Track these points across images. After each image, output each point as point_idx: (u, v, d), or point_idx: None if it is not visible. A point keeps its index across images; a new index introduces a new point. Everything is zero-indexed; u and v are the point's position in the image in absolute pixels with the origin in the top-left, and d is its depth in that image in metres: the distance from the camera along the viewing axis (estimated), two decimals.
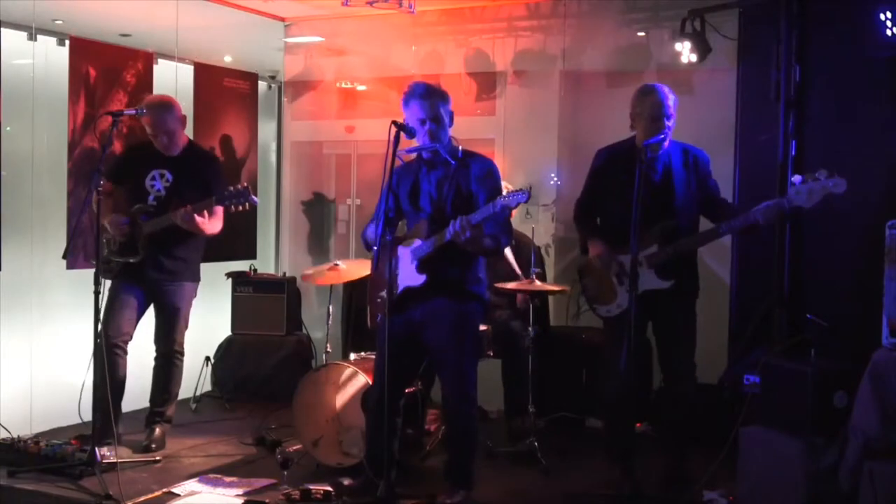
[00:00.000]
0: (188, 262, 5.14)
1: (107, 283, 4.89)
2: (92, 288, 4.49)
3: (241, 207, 4.89)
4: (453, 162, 4.13)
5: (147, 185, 5.04)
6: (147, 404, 5.27)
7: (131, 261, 4.95)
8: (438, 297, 4.10)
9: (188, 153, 5.16)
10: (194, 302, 5.26)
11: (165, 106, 5.06)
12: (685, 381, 4.44)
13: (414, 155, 4.21)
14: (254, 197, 4.90)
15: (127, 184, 5.08)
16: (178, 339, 5.18)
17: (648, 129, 4.29)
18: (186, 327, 5.23)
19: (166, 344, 5.16)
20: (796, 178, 3.95)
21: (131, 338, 5.09)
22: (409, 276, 4.12)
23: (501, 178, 4.26)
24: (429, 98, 4.09)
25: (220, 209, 5.01)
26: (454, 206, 4.06)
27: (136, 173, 5.08)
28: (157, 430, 5.14)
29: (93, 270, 4.57)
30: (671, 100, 4.32)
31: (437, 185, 4.15)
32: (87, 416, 4.81)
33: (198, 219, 4.88)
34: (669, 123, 4.29)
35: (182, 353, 5.23)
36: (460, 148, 4.20)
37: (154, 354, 5.22)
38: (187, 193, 4.96)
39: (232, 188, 4.90)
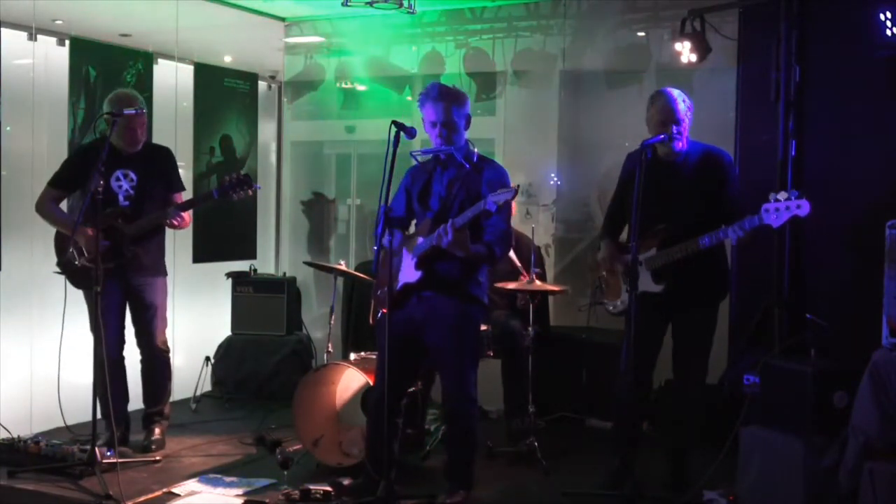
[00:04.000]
0: (158, 257, 5.07)
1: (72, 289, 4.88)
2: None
3: (243, 194, 4.86)
4: (467, 165, 4.14)
5: (114, 186, 4.87)
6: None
7: (113, 265, 4.78)
8: (439, 297, 4.11)
9: (144, 149, 5.02)
10: (194, 302, 5.25)
11: (139, 103, 4.94)
12: (690, 383, 4.44)
13: (430, 156, 4.22)
14: (256, 184, 4.85)
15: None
16: (160, 337, 5.10)
17: (656, 134, 4.29)
18: (166, 324, 5.14)
19: (150, 343, 5.07)
20: (771, 196, 3.94)
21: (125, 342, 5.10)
22: (407, 272, 4.14)
23: None
24: (441, 101, 4.09)
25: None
26: (462, 208, 4.05)
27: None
28: (157, 430, 5.13)
29: (91, 270, 4.54)
30: (682, 104, 4.30)
31: (448, 185, 4.17)
32: (70, 419, 4.83)
33: (185, 216, 4.88)
34: (679, 128, 4.28)
35: (167, 350, 5.15)
36: (476, 152, 4.22)
37: (140, 357, 5.11)
38: (155, 190, 4.91)
39: (227, 178, 4.87)
